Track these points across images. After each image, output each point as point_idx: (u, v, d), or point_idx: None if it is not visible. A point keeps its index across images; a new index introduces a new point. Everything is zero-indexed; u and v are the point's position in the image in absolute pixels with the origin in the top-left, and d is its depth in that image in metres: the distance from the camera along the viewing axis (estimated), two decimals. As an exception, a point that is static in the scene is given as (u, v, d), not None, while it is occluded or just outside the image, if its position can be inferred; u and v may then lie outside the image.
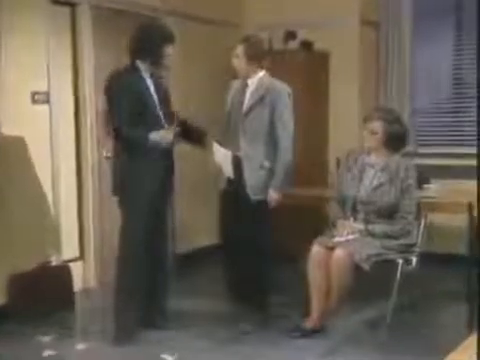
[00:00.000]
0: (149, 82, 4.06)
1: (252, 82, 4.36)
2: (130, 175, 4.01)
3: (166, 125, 4.02)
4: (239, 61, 4.34)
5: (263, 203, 4.29)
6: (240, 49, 4.33)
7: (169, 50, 4.07)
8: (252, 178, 4.27)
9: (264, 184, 4.29)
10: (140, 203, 4.00)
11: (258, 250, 4.33)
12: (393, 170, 4.15)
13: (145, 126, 3.93)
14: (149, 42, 4.00)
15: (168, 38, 4.07)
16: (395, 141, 4.22)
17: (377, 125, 4.18)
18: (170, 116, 4.07)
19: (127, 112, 3.91)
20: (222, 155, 4.35)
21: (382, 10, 6.11)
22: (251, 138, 4.29)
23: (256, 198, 4.27)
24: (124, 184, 4.04)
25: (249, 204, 4.26)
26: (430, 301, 4.75)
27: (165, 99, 4.16)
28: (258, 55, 4.36)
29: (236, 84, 4.50)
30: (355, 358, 3.82)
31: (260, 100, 4.29)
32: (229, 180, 4.38)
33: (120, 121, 3.95)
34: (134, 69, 4.03)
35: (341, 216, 4.21)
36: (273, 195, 4.28)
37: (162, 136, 3.95)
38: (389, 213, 4.12)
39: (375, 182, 4.17)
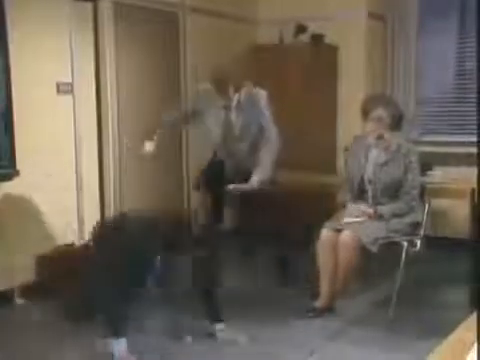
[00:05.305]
0: None
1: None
2: None
3: None
4: None
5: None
6: None
7: None
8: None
9: None
10: None
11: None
12: (395, 149, 4.31)
13: None
14: None
15: None
16: (397, 122, 4.37)
17: (381, 111, 4.31)
18: None
19: None
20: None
21: (388, 3, 6.20)
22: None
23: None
24: None
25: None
26: (436, 282, 4.85)
27: None
28: None
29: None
30: (362, 337, 3.91)
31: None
32: None
33: None
34: None
35: (350, 199, 4.39)
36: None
37: None
38: (394, 190, 4.28)
39: (380, 160, 4.33)
